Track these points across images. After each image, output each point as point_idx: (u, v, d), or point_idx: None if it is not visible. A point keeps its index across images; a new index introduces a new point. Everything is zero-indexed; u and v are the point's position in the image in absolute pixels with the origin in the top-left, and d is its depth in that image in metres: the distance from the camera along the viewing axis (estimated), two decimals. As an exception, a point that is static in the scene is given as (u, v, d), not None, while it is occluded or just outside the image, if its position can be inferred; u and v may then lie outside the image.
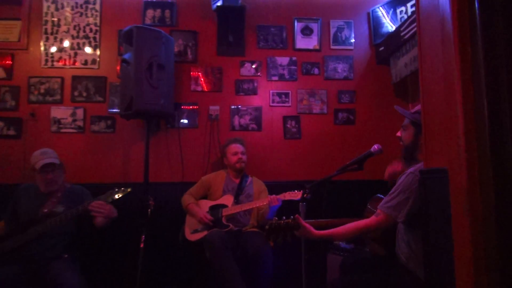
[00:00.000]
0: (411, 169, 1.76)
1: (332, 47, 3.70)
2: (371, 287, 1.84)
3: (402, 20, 3.44)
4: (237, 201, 3.03)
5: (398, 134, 2.05)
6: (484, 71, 1.03)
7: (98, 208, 2.54)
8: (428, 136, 1.36)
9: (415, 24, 2.85)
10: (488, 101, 1.03)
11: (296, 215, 1.89)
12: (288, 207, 2.74)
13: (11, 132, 3.36)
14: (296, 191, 2.78)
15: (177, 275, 3.21)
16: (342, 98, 3.66)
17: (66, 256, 2.63)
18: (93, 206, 2.54)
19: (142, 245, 2.89)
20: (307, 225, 1.87)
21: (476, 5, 1.06)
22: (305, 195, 2.07)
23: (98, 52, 3.51)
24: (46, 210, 2.69)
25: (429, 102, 1.34)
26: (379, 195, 2.12)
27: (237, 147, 3.17)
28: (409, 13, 3.47)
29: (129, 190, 2.65)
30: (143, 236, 2.89)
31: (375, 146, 2.07)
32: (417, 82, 3.41)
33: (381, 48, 3.59)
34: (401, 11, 3.54)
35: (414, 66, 3.06)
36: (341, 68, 3.68)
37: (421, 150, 1.87)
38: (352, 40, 3.73)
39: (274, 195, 2.85)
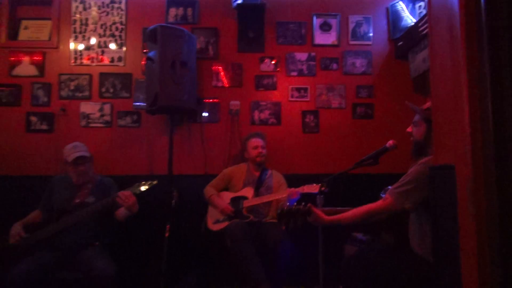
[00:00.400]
0: (422, 160, 1.83)
1: (350, 42, 3.74)
2: (384, 264, 1.92)
3: (421, 15, 3.46)
4: (257, 193, 3.15)
5: (409, 129, 2.10)
6: (489, 73, 1.10)
7: (124, 197, 2.69)
8: (437, 133, 1.42)
9: (433, 20, 2.89)
10: (493, 101, 1.10)
11: (309, 203, 1.98)
12: (307, 200, 2.84)
13: (44, 126, 3.56)
14: (314, 184, 2.86)
15: (200, 262, 3.35)
16: (361, 92, 3.71)
17: (96, 244, 2.80)
18: (122, 194, 2.69)
19: (167, 234, 3.05)
20: (318, 212, 1.97)
21: (483, 9, 1.13)
22: (322, 188, 2.17)
23: (123, 50, 3.66)
24: (78, 201, 2.86)
25: (438, 100, 1.40)
26: (390, 187, 2.19)
27: (257, 141, 3.28)
28: (428, 8, 3.48)
29: (155, 182, 2.80)
30: (168, 226, 3.05)
31: (390, 142, 2.14)
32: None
33: (400, 43, 3.61)
34: (419, 6, 3.56)
35: (432, 61, 3.09)
36: (359, 63, 3.72)
37: (431, 145, 1.93)
38: (371, 35, 3.76)
39: (293, 188, 2.94)
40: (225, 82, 3.68)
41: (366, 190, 3.32)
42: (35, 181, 3.43)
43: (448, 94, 1.31)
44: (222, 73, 3.68)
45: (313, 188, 2.83)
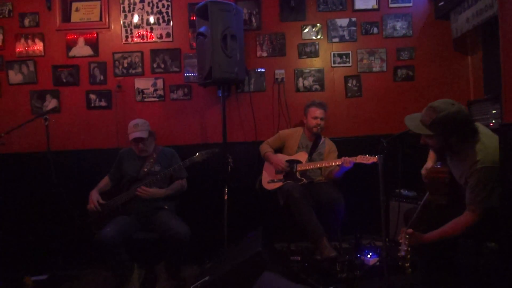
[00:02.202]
0: (475, 168, 1.95)
1: (390, 5, 3.79)
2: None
3: (464, -26, 3.46)
4: (310, 159, 3.36)
5: (422, 141, 2.17)
6: None
7: (142, 191, 2.98)
8: (508, 89, 1.52)
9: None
10: None
11: (409, 229, 2.12)
12: (360, 169, 3.05)
13: (103, 103, 3.82)
14: (367, 155, 3.01)
15: (257, 221, 3.60)
16: (401, 55, 3.80)
17: (166, 207, 3.10)
18: (140, 189, 2.98)
19: (226, 197, 3.32)
20: (417, 234, 2.12)
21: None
22: (383, 144, 2.34)
23: (171, 26, 3.82)
24: (146, 170, 3.14)
25: (509, 53, 1.48)
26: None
27: (318, 112, 3.38)
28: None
29: (216, 150, 3.03)
30: (226, 189, 3.32)
31: None
32: (477, 36, 3.45)
33: (441, 3, 3.64)
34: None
35: (477, 21, 3.14)
36: (399, 26, 3.79)
37: (455, 146, 2.06)
38: (410, -5, 3.79)
39: (347, 157, 3.08)
40: (269, 51, 3.81)
41: (422, 150, 3.51)
42: (98, 153, 3.76)
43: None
44: (266, 43, 3.81)
45: (366, 159, 2.99)
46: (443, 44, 3.78)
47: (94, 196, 3.07)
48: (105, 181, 3.25)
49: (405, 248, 2.09)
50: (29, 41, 3.79)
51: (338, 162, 3.15)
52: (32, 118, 3.35)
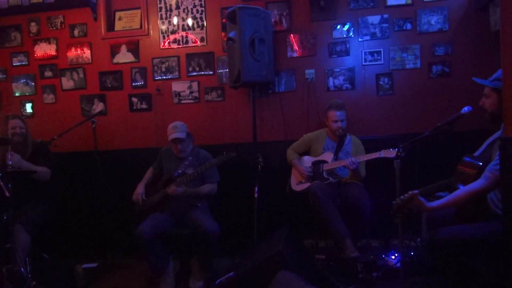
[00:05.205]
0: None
1: (425, -1, 3.68)
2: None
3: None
4: (336, 158, 3.38)
5: (481, 103, 2.15)
6: None
7: (171, 191, 3.16)
8: (508, 101, 1.49)
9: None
10: None
11: (412, 192, 2.02)
12: (383, 164, 3.03)
13: (144, 106, 4.10)
14: (391, 149, 2.96)
15: (286, 219, 3.69)
16: (437, 50, 3.67)
17: (199, 205, 3.30)
18: (170, 189, 3.17)
19: (256, 195, 3.46)
20: (421, 201, 2.02)
21: None
22: (399, 154, 2.34)
23: (205, 30, 3.99)
24: (180, 171, 3.35)
25: (510, 65, 1.44)
26: (466, 158, 2.25)
27: (337, 116, 3.34)
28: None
29: (234, 155, 3.09)
30: (256, 188, 3.45)
31: (465, 108, 2.21)
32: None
33: (480, -5, 3.47)
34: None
35: (515, 15, 2.97)
36: (435, 20, 3.66)
37: None
38: (447, -16, 3.64)
39: (352, 159, 3.14)
40: (299, 52, 3.86)
41: (443, 149, 3.43)
42: (139, 153, 4.06)
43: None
44: (296, 44, 3.86)
45: (390, 153, 2.95)
46: (482, 38, 3.60)
47: (139, 190, 3.39)
48: (149, 173, 3.54)
49: (399, 202, 2.07)
50: (79, 50, 4.15)
51: (345, 163, 3.20)
52: (81, 122, 3.71)
